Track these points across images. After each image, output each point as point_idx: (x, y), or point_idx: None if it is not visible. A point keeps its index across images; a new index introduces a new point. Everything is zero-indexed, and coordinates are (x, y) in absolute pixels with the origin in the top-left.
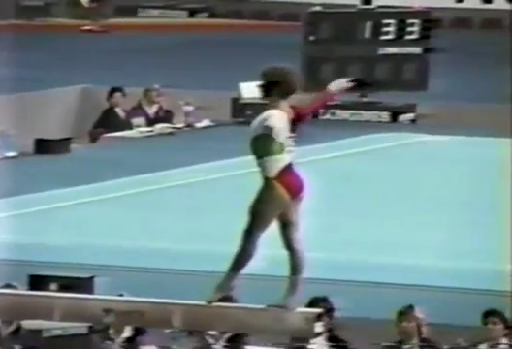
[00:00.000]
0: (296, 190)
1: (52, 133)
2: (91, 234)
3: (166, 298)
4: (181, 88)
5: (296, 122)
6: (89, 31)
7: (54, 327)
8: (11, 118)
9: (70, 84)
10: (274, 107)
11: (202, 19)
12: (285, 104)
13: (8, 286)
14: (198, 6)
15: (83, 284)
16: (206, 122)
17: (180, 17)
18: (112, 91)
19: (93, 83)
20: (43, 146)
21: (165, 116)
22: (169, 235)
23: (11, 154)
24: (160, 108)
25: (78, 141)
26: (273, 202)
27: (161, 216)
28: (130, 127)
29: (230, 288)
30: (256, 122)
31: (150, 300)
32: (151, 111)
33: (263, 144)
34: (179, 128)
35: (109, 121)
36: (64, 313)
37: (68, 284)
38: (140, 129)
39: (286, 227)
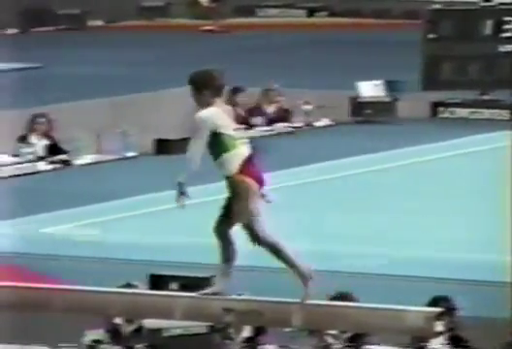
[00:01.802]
0: (260, 180)
1: (172, 133)
2: (211, 233)
3: (285, 297)
4: (300, 88)
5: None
6: (209, 31)
7: (175, 326)
8: (131, 119)
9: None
10: (209, 105)
11: (321, 18)
12: (219, 101)
13: (129, 285)
14: (317, 5)
15: (203, 283)
16: (324, 121)
17: (299, 17)
18: (234, 91)
19: None
20: (162, 146)
21: (284, 116)
22: (285, 233)
23: (131, 154)
24: (279, 107)
25: None
26: (248, 194)
27: (275, 215)
28: (250, 126)
29: (226, 284)
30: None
31: (270, 299)
32: (270, 110)
33: (215, 143)
34: (299, 127)
35: None
36: (184, 313)
37: (188, 283)
38: (259, 128)
39: (251, 223)
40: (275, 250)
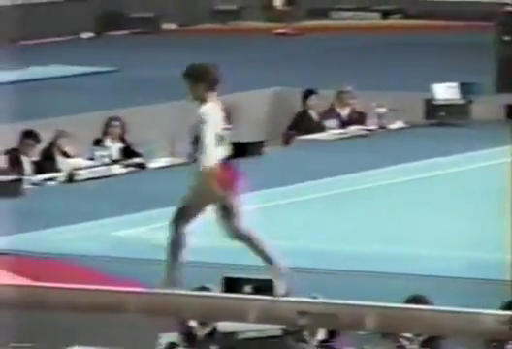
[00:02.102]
0: (231, 182)
1: (246, 135)
2: (282, 236)
3: (359, 299)
4: (374, 90)
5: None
6: (283, 34)
7: (249, 329)
8: None
9: (263, 87)
10: (204, 100)
11: (395, 21)
12: (214, 95)
13: (203, 288)
14: (391, 7)
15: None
16: (398, 124)
17: (373, 19)
18: (307, 94)
19: (286, 86)
20: (237, 149)
21: (358, 118)
22: (359, 236)
23: None
24: (353, 110)
25: (271, 143)
26: (207, 195)
27: (353, 218)
28: (323, 129)
29: (176, 277)
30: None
31: (344, 301)
32: (344, 113)
33: (200, 137)
34: (372, 130)
35: (302, 124)
36: (258, 315)
37: (262, 286)
38: (333, 131)
39: (229, 217)
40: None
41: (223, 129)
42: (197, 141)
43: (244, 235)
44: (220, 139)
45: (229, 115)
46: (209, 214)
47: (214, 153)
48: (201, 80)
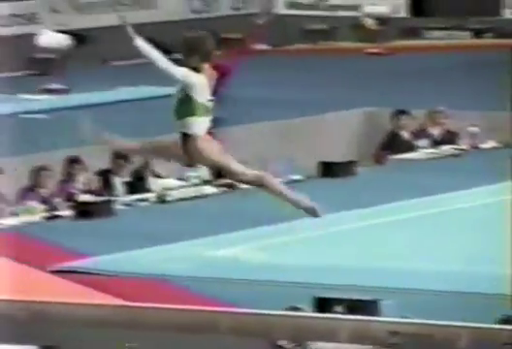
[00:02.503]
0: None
1: (337, 156)
2: (376, 256)
3: (452, 320)
4: (466, 109)
5: (220, 80)
6: (374, 54)
7: None
8: (296, 142)
9: (354, 107)
10: (196, 70)
11: (487, 40)
12: (207, 67)
13: (294, 308)
14: (484, 26)
15: (369, 306)
16: (491, 143)
17: (466, 38)
18: (398, 114)
19: (377, 106)
20: (328, 169)
21: (450, 138)
22: (451, 256)
23: (296, 177)
24: (445, 129)
25: (363, 163)
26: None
27: (443, 238)
28: (414, 149)
29: None
30: (178, 85)
31: (438, 322)
32: (436, 132)
33: (186, 105)
34: (465, 150)
35: (393, 143)
36: (350, 335)
37: (353, 306)
38: (425, 151)
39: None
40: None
41: (208, 100)
42: (182, 104)
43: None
44: (206, 109)
45: (216, 87)
46: (297, 234)
47: (201, 121)
48: (195, 52)
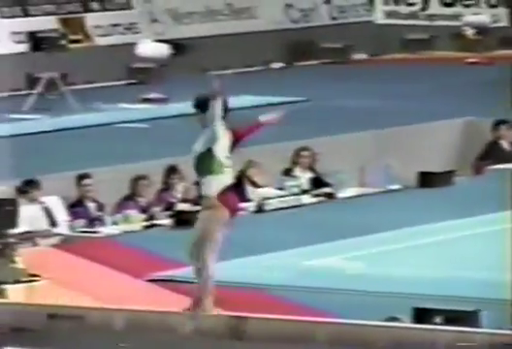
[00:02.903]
0: (234, 209)
1: (435, 165)
2: (474, 267)
3: None
4: None
5: (236, 142)
6: (474, 63)
7: None
8: (394, 151)
9: (453, 117)
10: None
11: None
12: (222, 124)
13: (393, 319)
14: None
15: (468, 317)
16: None
17: None
18: (498, 123)
19: (477, 116)
20: (426, 179)
21: None
22: None
23: (395, 187)
24: None
25: (461, 173)
26: (217, 220)
27: None
28: None
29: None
30: (200, 140)
31: None
32: None
33: (205, 163)
34: None
35: (493, 153)
36: (449, 346)
37: (453, 317)
38: None
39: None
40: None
41: (228, 157)
42: (201, 163)
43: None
44: (224, 166)
45: (233, 144)
46: (395, 244)
47: (219, 179)
48: (208, 110)
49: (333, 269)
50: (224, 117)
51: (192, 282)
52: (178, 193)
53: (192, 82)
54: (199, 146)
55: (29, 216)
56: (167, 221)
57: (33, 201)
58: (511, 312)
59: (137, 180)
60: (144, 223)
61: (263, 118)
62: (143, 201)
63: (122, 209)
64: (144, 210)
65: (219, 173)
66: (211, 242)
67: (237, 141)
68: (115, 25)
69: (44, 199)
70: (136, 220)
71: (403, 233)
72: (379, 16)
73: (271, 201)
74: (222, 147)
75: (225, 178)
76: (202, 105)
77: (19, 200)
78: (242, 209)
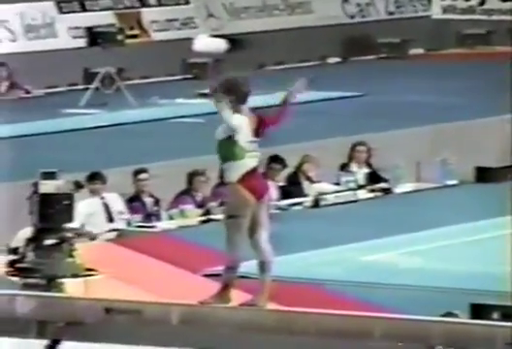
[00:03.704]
0: (260, 193)
1: (492, 161)
2: None
3: None
4: None
5: (264, 127)
6: None
7: None
8: (451, 147)
9: (509, 112)
10: (236, 112)
11: None
12: (245, 108)
13: (450, 314)
14: None
15: None
16: None
17: None
18: None
19: None
20: (483, 174)
21: None
22: None
23: (451, 182)
24: None
25: None
26: (241, 205)
27: None
28: None
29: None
30: (220, 127)
31: None
32: None
33: (226, 149)
34: None
35: None
36: (506, 342)
37: (510, 313)
38: None
39: (253, 228)
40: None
41: (251, 141)
42: (222, 150)
43: (263, 247)
44: (246, 151)
45: (258, 128)
46: (452, 239)
47: (241, 164)
48: (231, 94)
49: (389, 264)
50: (242, 102)
51: (247, 277)
52: None
53: (250, 77)
54: (219, 134)
55: (88, 210)
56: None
57: (95, 194)
58: None
59: (193, 175)
60: (200, 218)
61: (293, 89)
62: (199, 195)
63: (178, 204)
64: (200, 205)
65: (241, 158)
66: (240, 228)
67: (266, 125)
68: (172, 20)
69: (104, 194)
70: (192, 215)
71: (460, 228)
72: (436, 11)
73: (327, 196)
74: (244, 133)
75: (247, 163)
76: (226, 88)
77: (78, 193)
78: (268, 194)
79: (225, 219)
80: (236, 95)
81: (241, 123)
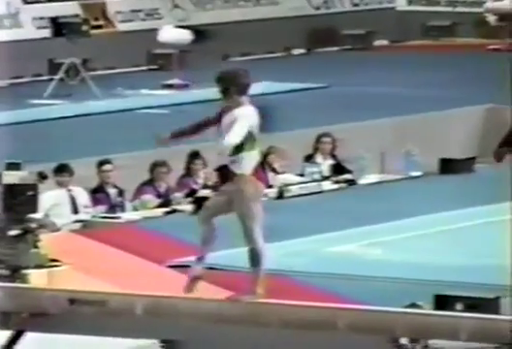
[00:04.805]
0: (266, 185)
1: (457, 152)
2: (493, 254)
3: None
4: None
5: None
6: (496, 50)
7: (459, 347)
8: (415, 139)
9: (475, 104)
10: (238, 105)
11: None
12: (246, 100)
13: (414, 305)
14: None
15: (489, 304)
16: None
17: None
18: None
19: (498, 103)
20: (447, 166)
21: None
22: None
23: (416, 174)
24: None
25: (482, 160)
26: (258, 195)
27: None
28: None
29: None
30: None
31: None
32: None
33: (244, 140)
34: None
35: None
36: (470, 334)
37: (474, 304)
38: None
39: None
40: (255, 258)
41: (256, 133)
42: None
43: (257, 247)
44: (256, 141)
45: (264, 121)
46: (415, 231)
47: (253, 155)
48: (231, 86)
49: (354, 255)
50: (243, 93)
51: (211, 268)
52: (201, 179)
53: (213, 69)
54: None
55: (53, 201)
56: (187, 207)
57: (62, 186)
58: None
59: (154, 166)
60: (165, 209)
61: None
62: (162, 186)
63: (140, 195)
64: (163, 196)
65: (252, 149)
66: (257, 219)
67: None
68: (137, 11)
69: (71, 187)
70: (151, 205)
71: (424, 219)
72: (401, 3)
73: (291, 187)
74: (253, 122)
75: (257, 154)
76: (226, 79)
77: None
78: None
79: (245, 210)
80: (236, 87)
81: (245, 113)
